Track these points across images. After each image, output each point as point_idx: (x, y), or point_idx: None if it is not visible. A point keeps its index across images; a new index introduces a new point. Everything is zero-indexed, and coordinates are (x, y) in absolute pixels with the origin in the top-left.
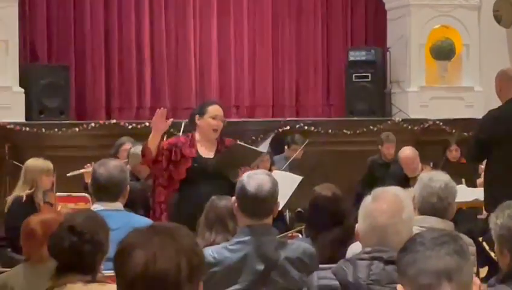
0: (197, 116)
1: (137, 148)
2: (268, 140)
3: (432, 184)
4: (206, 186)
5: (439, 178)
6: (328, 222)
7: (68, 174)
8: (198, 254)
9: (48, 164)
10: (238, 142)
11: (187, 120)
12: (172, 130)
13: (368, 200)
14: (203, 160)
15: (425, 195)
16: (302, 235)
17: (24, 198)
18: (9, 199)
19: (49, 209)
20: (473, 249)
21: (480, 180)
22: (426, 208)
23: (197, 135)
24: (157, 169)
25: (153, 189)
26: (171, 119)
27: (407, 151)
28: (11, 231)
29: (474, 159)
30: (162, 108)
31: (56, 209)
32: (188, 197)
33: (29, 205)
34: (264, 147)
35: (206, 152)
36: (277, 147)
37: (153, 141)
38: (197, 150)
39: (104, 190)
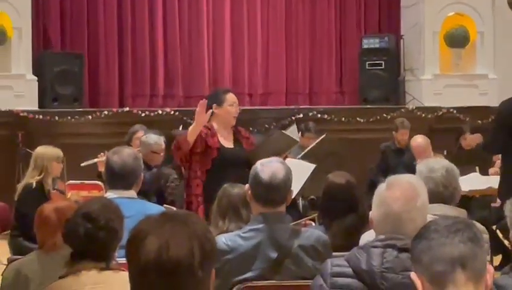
0: (214, 106)
1: (149, 137)
2: (294, 127)
3: (433, 175)
4: (231, 175)
5: (438, 166)
6: (342, 209)
7: (82, 164)
8: (210, 240)
9: (58, 151)
10: (281, 130)
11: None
12: (185, 118)
13: (382, 187)
14: (227, 150)
15: (430, 187)
16: (315, 223)
17: (34, 185)
18: (20, 186)
19: (60, 197)
20: (486, 236)
21: (493, 169)
22: (434, 198)
23: (215, 125)
24: (185, 161)
25: (187, 182)
26: (210, 111)
27: (419, 140)
28: (22, 218)
29: (490, 151)
30: (203, 99)
31: (66, 196)
32: (214, 188)
33: (39, 192)
34: (295, 135)
35: (226, 142)
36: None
37: (194, 134)
38: (219, 140)
39: (118, 178)
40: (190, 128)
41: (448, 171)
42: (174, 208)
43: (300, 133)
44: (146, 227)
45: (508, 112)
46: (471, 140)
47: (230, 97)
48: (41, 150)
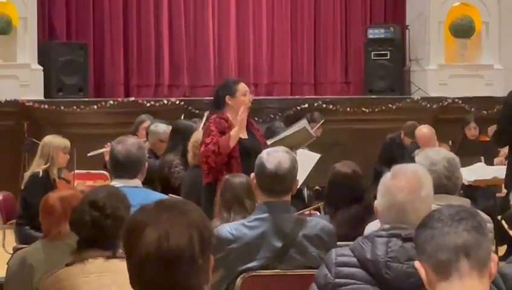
0: (227, 97)
1: (157, 126)
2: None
3: (435, 168)
4: (246, 166)
5: (438, 158)
6: (347, 199)
7: (89, 154)
8: (208, 227)
9: (66, 142)
10: (305, 126)
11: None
12: (190, 107)
13: (387, 177)
14: (244, 141)
15: (433, 179)
16: (320, 212)
17: (41, 174)
18: (26, 175)
19: (66, 186)
20: (491, 226)
21: (498, 159)
22: (437, 190)
23: (230, 116)
24: (222, 164)
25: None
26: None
27: (424, 130)
28: (28, 207)
29: (499, 143)
30: (244, 106)
31: (72, 187)
32: None
33: (45, 181)
34: (310, 129)
35: (242, 133)
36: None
37: (236, 140)
38: None
39: (122, 167)
40: (232, 133)
41: (450, 162)
42: (180, 197)
43: None
44: (143, 218)
45: None
46: (490, 131)
47: (243, 87)
48: (49, 139)
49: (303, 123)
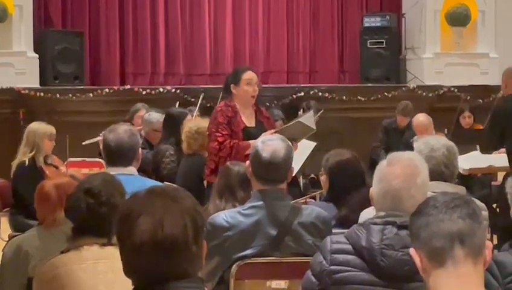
0: (232, 86)
1: (151, 115)
2: (311, 113)
3: (434, 154)
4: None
5: (439, 145)
6: (354, 182)
7: (84, 143)
8: (200, 213)
9: (51, 128)
10: (300, 120)
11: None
12: (186, 96)
13: (383, 164)
14: (249, 129)
15: (432, 166)
16: (315, 200)
17: (27, 162)
18: (13, 164)
19: (54, 172)
20: (485, 213)
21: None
22: (435, 177)
23: (237, 104)
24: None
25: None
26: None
27: (421, 118)
28: (19, 196)
29: (488, 152)
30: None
31: (61, 172)
32: None
33: (33, 170)
34: (312, 123)
35: (248, 121)
36: (291, 114)
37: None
38: (242, 120)
39: (115, 155)
40: (252, 147)
41: (449, 150)
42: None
43: (301, 111)
44: (136, 206)
45: (503, 112)
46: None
47: (246, 76)
48: (34, 126)
49: (309, 115)
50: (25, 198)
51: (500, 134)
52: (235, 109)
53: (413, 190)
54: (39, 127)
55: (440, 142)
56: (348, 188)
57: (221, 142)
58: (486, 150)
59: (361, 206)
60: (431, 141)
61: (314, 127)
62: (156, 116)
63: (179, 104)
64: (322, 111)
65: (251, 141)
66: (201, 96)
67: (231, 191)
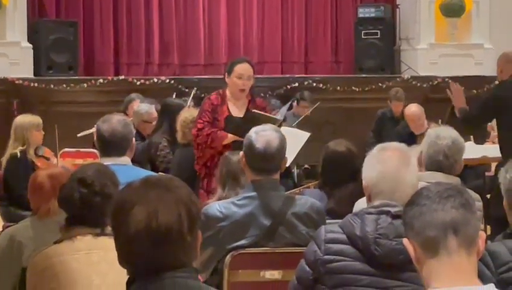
0: (226, 75)
1: (140, 106)
2: (286, 107)
3: (439, 142)
4: (236, 143)
5: (447, 135)
6: (344, 177)
7: (79, 135)
8: (195, 202)
9: (37, 119)
10: (254, 110)
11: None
12: (180, 86)
13: (373, 152)
14: (232, 118)
15: (432, 153)
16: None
17: (19, 155)
18: (4, 158)
19: (47, 164)
20: (479, 204)
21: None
22: (433, 165)
23: (228, 93)
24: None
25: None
26: None
27: (413, 108)
28: (11, 188)
29: (470, 125)
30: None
31: (52, 163)
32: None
33: (24, 162)
34: (281, 113)
35: (237, 111)
36: (285, 104)
37: (230, 141)
38: (228, 109)
39: (109, 145)
40: (229, 137)
41: (454, 143)
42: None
43: (296, 102)
44: (131, 196)
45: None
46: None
47: (239, 68)
48: (20, 120)
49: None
50: (16, 190)
51: (487, 120)
52: (224, 97)
53: (407, 174)
54: (25, 120)
55: (449, 133)
56: (338, 180)
57: (200, 129)
58: (468, 122)
59: (347, 201)
60: (440, 130)
61: (281, 118)
62: (145, 108)
63: (176, 95)
64: (318, 103)
65: (229, 134)
66: (193, 90)
67: (234, 178)
